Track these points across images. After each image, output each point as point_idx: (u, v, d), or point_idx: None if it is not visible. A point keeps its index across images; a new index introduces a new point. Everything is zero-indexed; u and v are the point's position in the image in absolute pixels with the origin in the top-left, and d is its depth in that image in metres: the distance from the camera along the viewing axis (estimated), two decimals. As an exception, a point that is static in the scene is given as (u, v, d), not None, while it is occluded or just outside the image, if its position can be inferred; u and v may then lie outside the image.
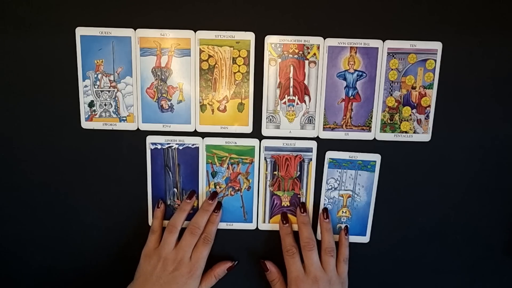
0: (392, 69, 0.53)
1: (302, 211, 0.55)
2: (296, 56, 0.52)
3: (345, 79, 0.53)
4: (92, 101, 0.53)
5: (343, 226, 0.57)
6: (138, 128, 0.54)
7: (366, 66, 0.53)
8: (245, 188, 0.56)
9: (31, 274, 0.58)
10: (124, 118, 0.54)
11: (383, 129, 0.54)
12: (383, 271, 0.58)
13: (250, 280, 0.58)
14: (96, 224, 0.56)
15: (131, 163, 0.55)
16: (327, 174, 0.55)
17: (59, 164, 0.55)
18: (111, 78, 0.53)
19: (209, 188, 0.56)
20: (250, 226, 0.57)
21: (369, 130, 0.54)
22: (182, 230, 0.53)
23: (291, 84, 0.53)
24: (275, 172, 0.55)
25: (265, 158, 0.55)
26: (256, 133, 0.54)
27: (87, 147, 0.54)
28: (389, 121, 0.54)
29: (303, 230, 0.54)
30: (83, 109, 0.53)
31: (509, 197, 0.56)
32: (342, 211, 0.57)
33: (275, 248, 0.56)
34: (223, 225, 0.56)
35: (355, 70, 0.53)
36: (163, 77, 0.53)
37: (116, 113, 0.54)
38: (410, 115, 0.54)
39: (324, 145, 0.55)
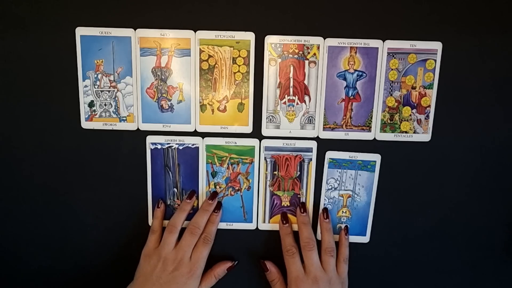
0: (392, 69, 0.53)
1: (302, 211, 0.55)
2: (296, 56, 0.52)
3: (345, 79, 0.53)
4: (92, 101, 0.53)
5: (343, 226, 0.57)
6: (138, 128, 0.54)
7: (366, 66, 0.53)
8: (245, 188, 0.56)
9: (31, 274, 0.58)
10: (124, 118, 0.54)
11: (383, 129, 0.54)
12: (383, 271, 0.58)
13: (250, 280, 0.58)
14: (96, 224, 0.56)
15: (131, 163, 0.55)
16: (327, 174, 0.55)
17: (59, 164, 0.55)
18: (111, 78, 0.53)
19: (209, 188, 0.56)
20: (250, 226, 0.57)
21: (369, 130, 0.54)
22: (182, 230, 0.53)
23: (291, 84, 0.53)
24: (275, 172, 0.55)
25: (265, 158, 0.55)
26: (256, 133, 0.54)
27: (87, 147, 0.54)
28: (389, 121, 0.54)
29: (303, 230, 0.54)
30: (83, 109, 0.53)
31: (509, 197, 0.56)
32: (342, 211, 0.57)
33: (275, 248, 0.56)
34: (223, 225, 0.56)
35: (355, 70, 0.53)
36: (163, 77, 0.53)
37: (116, 113, 0.54)
38: (410, 115, 0.54)
39: (324, 145, 0.55)
